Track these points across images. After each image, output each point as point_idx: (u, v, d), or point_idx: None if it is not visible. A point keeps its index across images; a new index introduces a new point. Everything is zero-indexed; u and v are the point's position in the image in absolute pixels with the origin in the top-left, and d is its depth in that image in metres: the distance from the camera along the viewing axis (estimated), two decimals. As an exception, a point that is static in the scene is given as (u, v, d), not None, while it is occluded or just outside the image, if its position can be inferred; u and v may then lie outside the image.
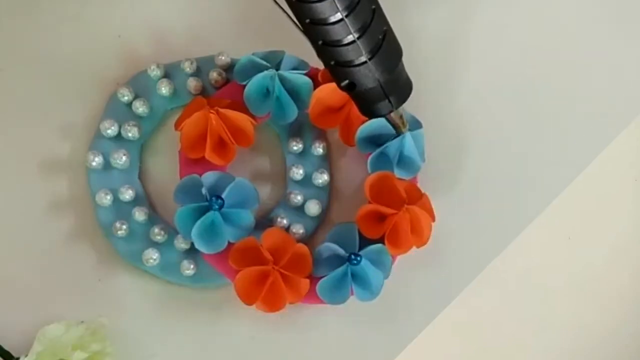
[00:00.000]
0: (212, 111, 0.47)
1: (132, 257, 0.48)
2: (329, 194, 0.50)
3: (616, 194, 0.53)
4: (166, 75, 0.51)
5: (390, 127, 0.48)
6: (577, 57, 0.52)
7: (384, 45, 0.42)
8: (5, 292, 0.48)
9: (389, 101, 0.44)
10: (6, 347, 0.46)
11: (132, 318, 0.48)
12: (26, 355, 0.45)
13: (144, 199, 0.50)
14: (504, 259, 0.50)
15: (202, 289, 0.49)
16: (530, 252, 0.50)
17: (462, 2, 0.54)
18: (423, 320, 0.49)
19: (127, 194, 0.49)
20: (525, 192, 0.51)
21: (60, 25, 0.52)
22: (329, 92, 0.49)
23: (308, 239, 0.49)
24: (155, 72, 0.50)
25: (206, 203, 0.46)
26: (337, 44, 0.41)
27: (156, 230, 0.48)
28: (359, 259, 0.47)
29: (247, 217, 0.47)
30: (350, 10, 0.40)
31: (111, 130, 0.49)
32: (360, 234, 0.48)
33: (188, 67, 0.51)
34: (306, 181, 0.50)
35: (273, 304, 0.46)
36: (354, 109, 0.49)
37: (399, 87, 0.44)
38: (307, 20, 0.41)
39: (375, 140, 0.49)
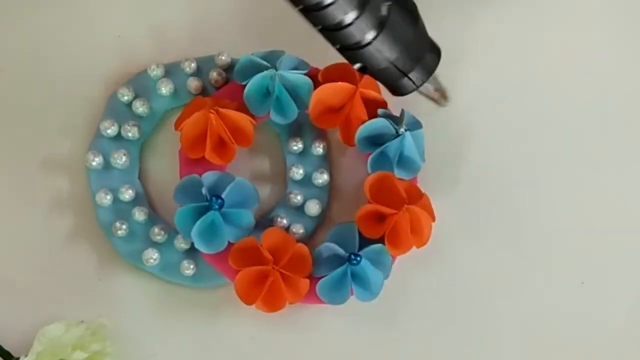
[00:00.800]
0: (212, 111, 0.47)
1: (132, 257, 0.48)
2: (328, 193, 0.50)
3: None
4: (166, 75, 0.51)
5: (391, 127, 0.48)
6: (578, 57, 0.52)
7: (391, 20, 0.38)
8: (5, 292, 0.48)
9: (409, 78, 0.41)
10: (6, 347, 0.46)
11: (132, 318, 0.48)
12: (26, 355, 0.44)
13: (143, 198, 0.49)
14: (504, 259, 0.50)
15: (202, 289, 0.49)
16: (530, 252, 0.50)
17: (463, 3, 0.54)
18: (423, 320, 0.49)
19: (127, 194, 0.49)
20: (525, 192, 0.51)
21: (60, 25, 0.52)
22: (330, 92, 0.48)
23: (308, 239, 0.49)
24: (155, 72, 0.50)
25: (206, 203, 0.46)
26: (337, 27, 0.38)
27: (156, 230, 0.48)
28: (358, 259, 0.46)
29: (247, 217, 0.47)
30: None
31: (111, 130, 0.49)
32: (360, 234, 0.48)
33: (188, 67, 0.51)
34: (306, 181, 0.50)
35: (273, 304, 0.46)
36: (355, 109, 0.49)
37: (418, 60, 0.40)
38: (300, 7, 0.38)
39: (376, 140, 0.49)
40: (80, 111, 0.50)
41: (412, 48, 0.40)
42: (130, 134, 0.49)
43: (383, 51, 0.39)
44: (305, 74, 0.49)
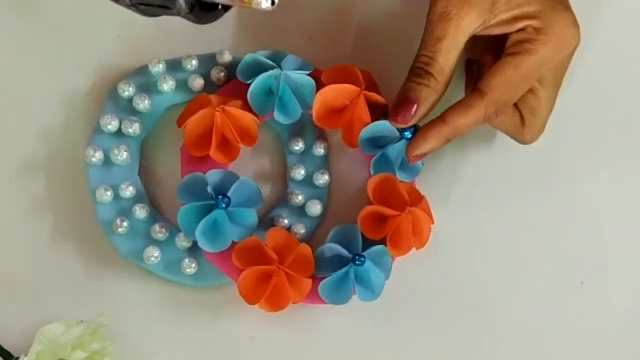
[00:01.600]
0: (218, 109, 0.47)
1: (132, 255, 0.47)
2: (329, 194, 0.51)
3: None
4: (168, 71, 0.50)
5: (393, 129, 0.48)
6: (579, 56, 0.53)
7: None
8: (5, 292, 0.47)
9: None
10: (6, 347, 0.45)
11: (132, 318, 0.47)
12: (26, 355, 0.44)
13: (144, 196, 0.49)
14: (504, 259, 0.51)
15: (203, 288, 0.48)
16: (530, 252, 0.51)
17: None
18: (423, 320, 0.49)
19: (128, 191, 0.48)
20: (525, 192, 0.51)
21: (61, 20, 0.51)
22: (334, 93, 0.49)
23: (308, 239, 0.49)
24: (156, 68, 0.50)
25: (211, 202, 0.46)
26: None
27: (157, 228, 0.48)
28: (363, 260, 0.47)
29: (252, 217, 0.47)
30: None
31: (112, 125, 0.49)
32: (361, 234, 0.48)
33: (189, 64, 0.50)
34: (307, 181, 0.50)
35: (277, 303, 0.46)
36: (358, 111, 0.49)
37: None
38: None
39: (378, 143, 0.49)
40: (80, 106, 0.50)
41: None
42: (131, 130, 0.49)
43: None
44: (308, 75, 0.49)
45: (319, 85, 0.49)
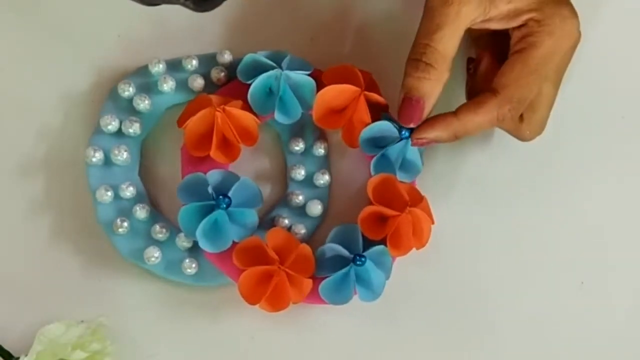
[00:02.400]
0: (218, 109, 0.47)
1: (133, 255, 0.47)
2: (329, 194, 0.51)
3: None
4: (168, 71, 0.50)
5: (394, 129, 0.48)
6: (579, 56, 0.53)
7: None
8: (5, 292, 0.47)
9: None
10: (6, 347, 0.45)
11: (132, 318, 0.47)
12: (26, 355, 0.44)
13: (144, 196, 0.49)
14: (504, 259, 0.51)
15: (203, 288, 0.48)
16: (529, 252, 0.51)
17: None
18: (423, 320, 0.49)
19: (128, 191, 0.48)
20: (524, 193, 0.51)
21: (61, 19, 0.51)
22: (334, 93, 0.49)
23: (308, 239, 0.49)
24: (156, 68, 0.50)
25: (212, 201, 0.46)
26: None
27: (157, 228, 0.48)
28: (363, 260, 0.47)
29: (252, 217, 0.47)
30: None
31: (112, 125, 0.48)
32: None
33: (189, 64, 0.50)
34: (307, 181, 0.50)
35: (277, 303, 0.46)
36: (359, 111, 0.49)
37: None
38: None
39: (378, 143, 0.49)
40: (80, 106, 0.50)
41: None
42: (131, 130, 0.49)
43: None
44: (308, 75, 0.49)
45: (319, 85, 0.49)
